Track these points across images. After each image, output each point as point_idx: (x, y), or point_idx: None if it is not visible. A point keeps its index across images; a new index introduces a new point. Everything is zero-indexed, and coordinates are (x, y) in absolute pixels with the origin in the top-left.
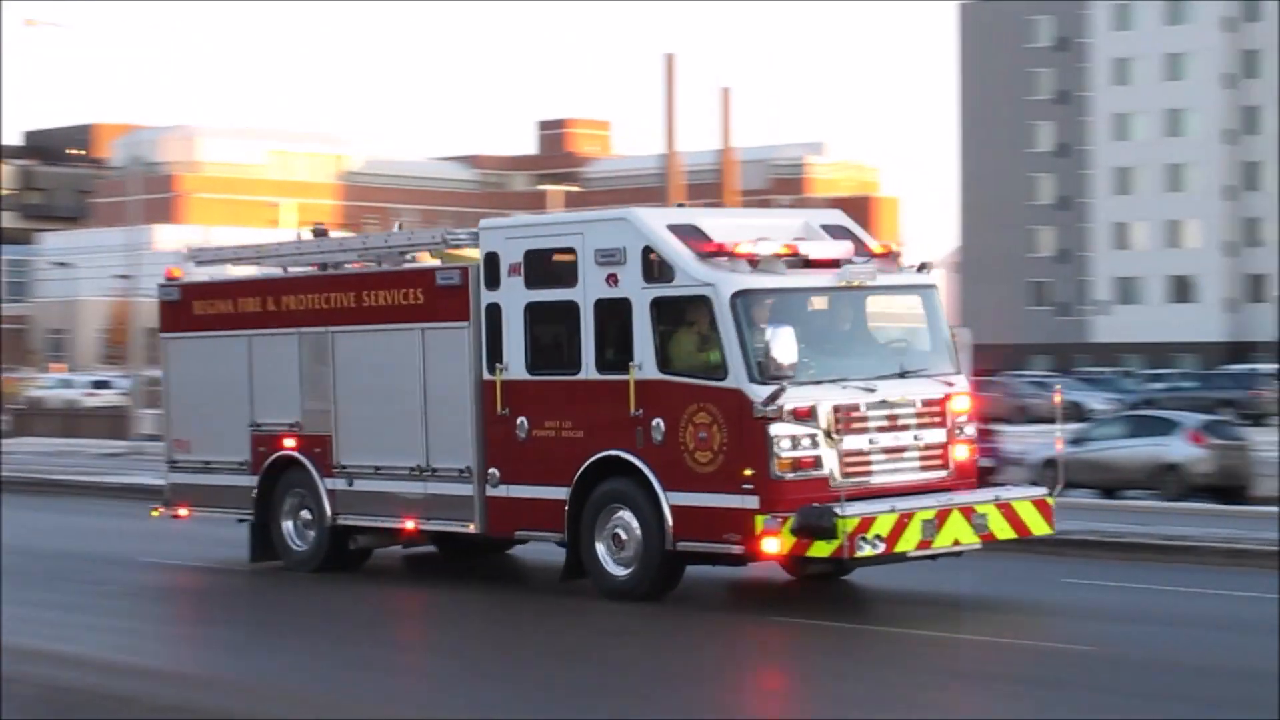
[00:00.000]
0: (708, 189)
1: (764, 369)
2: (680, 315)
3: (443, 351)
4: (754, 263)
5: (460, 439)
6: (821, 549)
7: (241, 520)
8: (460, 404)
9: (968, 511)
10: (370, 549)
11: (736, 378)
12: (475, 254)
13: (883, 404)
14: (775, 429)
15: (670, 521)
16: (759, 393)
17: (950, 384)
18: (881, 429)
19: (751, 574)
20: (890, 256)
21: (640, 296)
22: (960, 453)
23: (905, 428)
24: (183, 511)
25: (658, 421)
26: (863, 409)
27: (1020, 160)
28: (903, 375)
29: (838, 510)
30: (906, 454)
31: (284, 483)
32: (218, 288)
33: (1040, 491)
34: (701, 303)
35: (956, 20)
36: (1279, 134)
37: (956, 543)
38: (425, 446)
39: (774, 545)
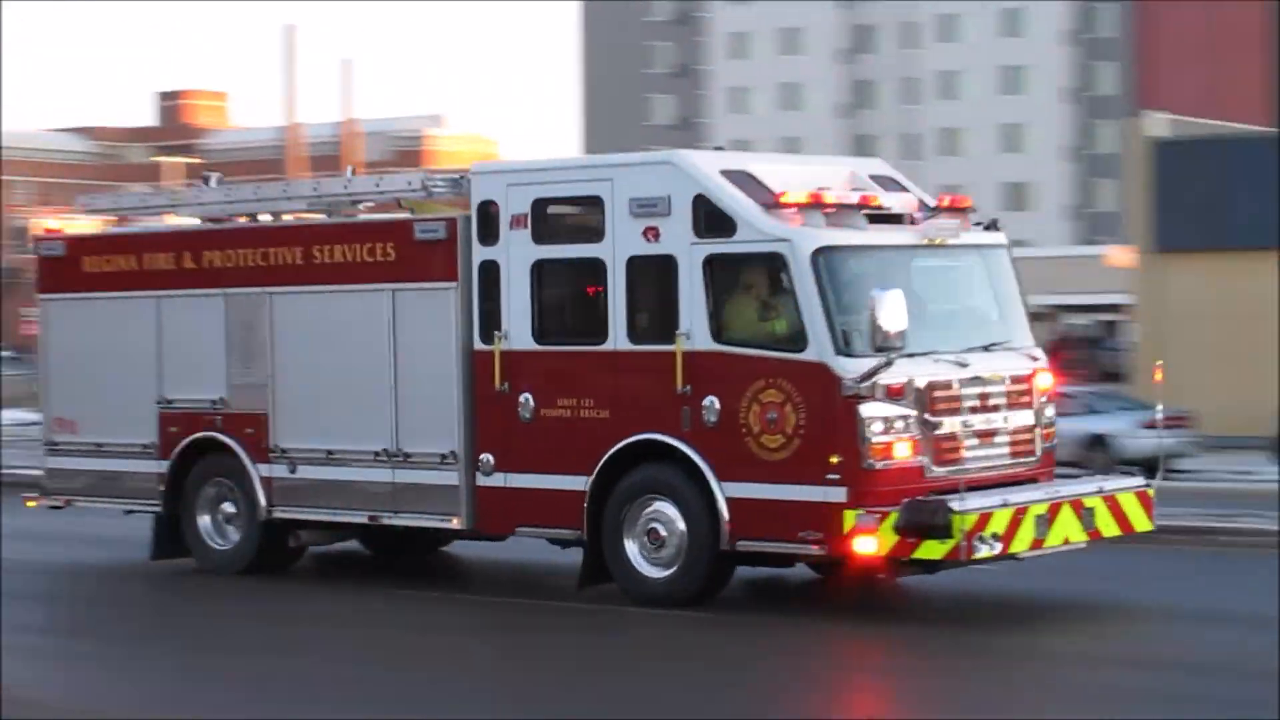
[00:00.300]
0: (328, 160)
1: (850, 339)
2: (741, 276)
3: (420, 317)
4: (827, 215)
5: (443, 419)
6: (933, 550)
7: (131, 511)
8: (443, 378)
9: (1077, 506)
10: (305, 547)
11: (819, 349)
12: (435, 206)
13: (975, 380)
14: (867, 409)
15: (726, 516)
16: (848, 367)
17: (1035, 358)
18: (974, 409)
19: (768, 573)
20: (963, 212)
21: (690, 253)
22: (1044, 437)
23: (996, 408)
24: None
25: (711, 400)
26: (956, 386)
27: (639, 133)
28: (988, 348)
29: (954, 505)
30: (997, 439)
31: (201, 469)
32: (118, 241)
33: (1138, 482)
34: (772, 261)
35: None
36: (891, 108)
37: (1066, 541)
38: (394, 427)
39: (869, 545)
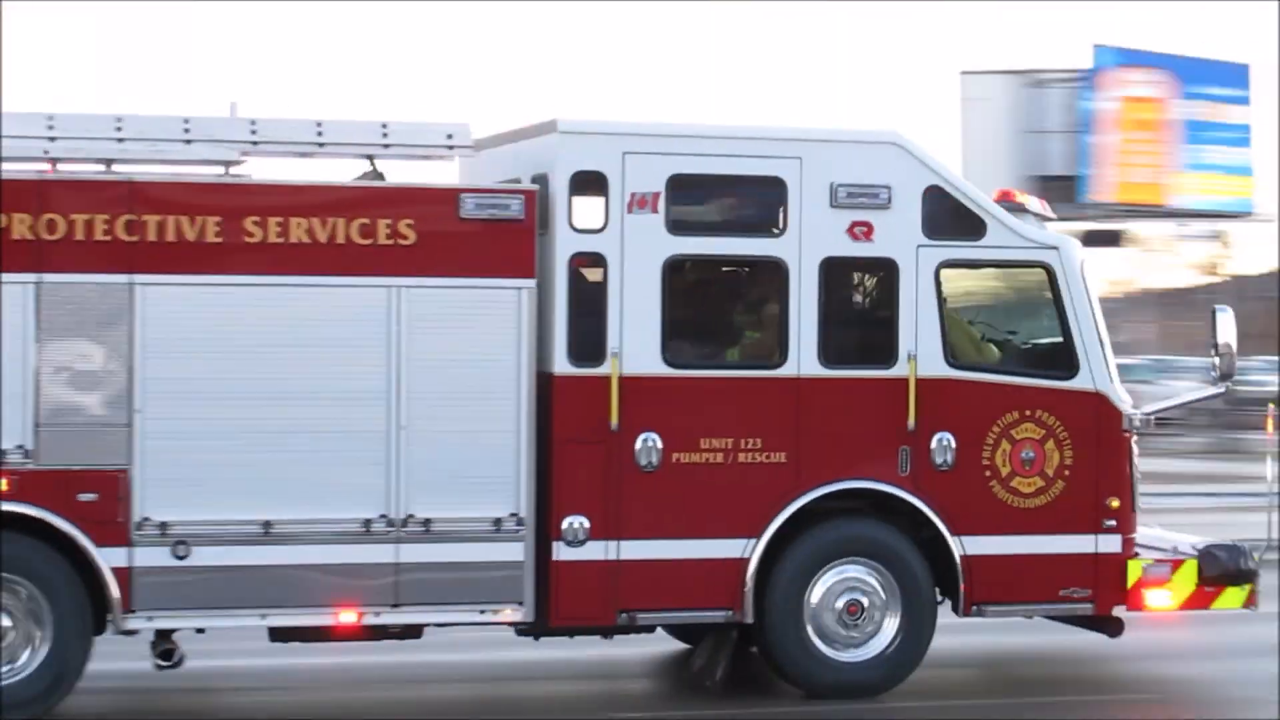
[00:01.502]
0: None
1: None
2: (984, 287)
3: (454, 327)
4: (1036, 217)
5: (494, 469)
6: (1233, 599)
7: None
8: (496, 412)
9: None
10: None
11: (1095, 376)
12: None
13: None
14: (1136, 446)
15: (964, 577)
16: (1125, 397)
17: None
18: None
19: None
20: None
21: (918, 258)
22: None
23: None
24: None
25: (944, 437)
26: None
27: None
28: None
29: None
30: None
31: None
32: None
33: None
34: (1035, 272)
35: None
36: None
37: None
38: (396, 483)
39: (1164, 598)
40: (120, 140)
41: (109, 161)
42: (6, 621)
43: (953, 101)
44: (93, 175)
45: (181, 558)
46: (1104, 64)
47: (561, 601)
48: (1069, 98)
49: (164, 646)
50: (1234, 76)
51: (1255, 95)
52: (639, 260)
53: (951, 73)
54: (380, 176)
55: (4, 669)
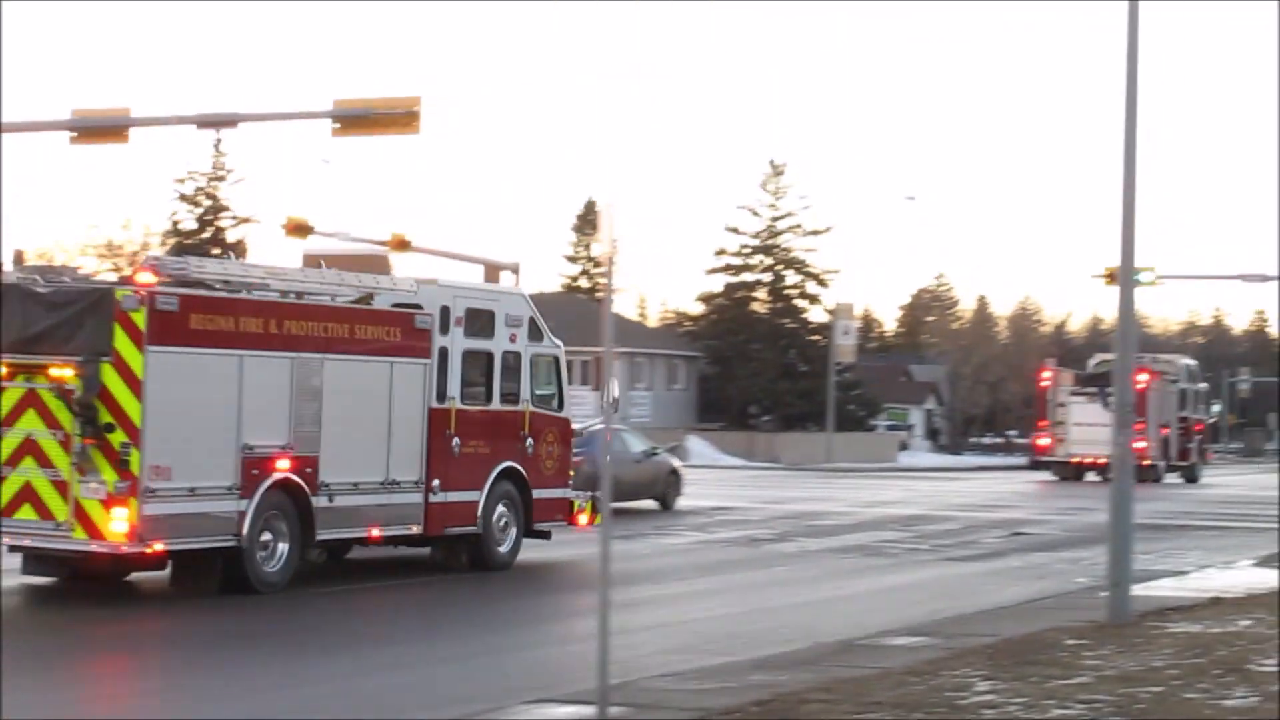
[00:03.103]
0: None
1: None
2: (542, 366)
3: (406, 382)
4: None
5: (413, 456)
6: (599, 519)
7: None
8: (415, 427)
9: None
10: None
11: (568, 410)
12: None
13: None
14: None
15: (534, 510)
16: (574, 421)
17: None
18: None
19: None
20: None
21: (527, 350)
22: None
23: None
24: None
25: (530, 440)
26: None
27: None
28: None
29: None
30: None
31: (266, 504)
32: (222, 303)
33: None
34: (553, 359)
35: None
36: None
37: None
38: (388, 463)
39: (579, 520)
40: (321, 282)
41: (300, 294)
42: (270, 536)
43: None
44: (312, 302)
45: (331, 501)
46: None
47: (430, 523)
48: None
49: (321, 551)
50: None
51: None
52: (456, 350)
53: None
54: (372, 300)
55: (271, 562)
